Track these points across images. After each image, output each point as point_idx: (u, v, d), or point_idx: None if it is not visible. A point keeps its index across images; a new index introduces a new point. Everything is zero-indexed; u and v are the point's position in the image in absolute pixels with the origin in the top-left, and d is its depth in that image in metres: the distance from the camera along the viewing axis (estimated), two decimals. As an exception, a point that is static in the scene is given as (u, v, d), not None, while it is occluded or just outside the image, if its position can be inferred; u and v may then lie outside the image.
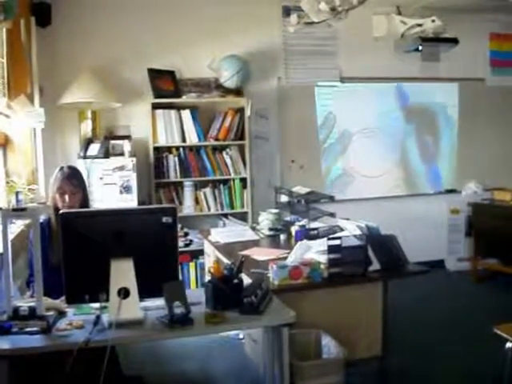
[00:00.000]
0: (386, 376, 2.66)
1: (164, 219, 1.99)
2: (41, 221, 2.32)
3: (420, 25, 3.79)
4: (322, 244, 2.57)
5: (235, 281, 2.08)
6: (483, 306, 3.89)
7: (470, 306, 3.94)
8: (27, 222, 3.10)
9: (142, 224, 1.98)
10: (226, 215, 4.31)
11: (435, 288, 4.23)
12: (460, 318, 3.68)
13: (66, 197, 2.41)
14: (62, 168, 2.50)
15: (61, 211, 1.95)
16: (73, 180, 2.46)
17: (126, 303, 1.86)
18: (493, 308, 3.76)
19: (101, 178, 3.74)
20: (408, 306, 3.66)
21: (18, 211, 1.86)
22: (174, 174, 4.13)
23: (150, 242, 1.97)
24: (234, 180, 4.27)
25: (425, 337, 3.34)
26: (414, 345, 3.19)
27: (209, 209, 4.26)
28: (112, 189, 3.78)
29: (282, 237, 3.30)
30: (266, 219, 3.51)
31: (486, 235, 4.46)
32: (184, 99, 4.17)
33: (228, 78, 4.11)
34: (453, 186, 5.06)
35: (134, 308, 1.90)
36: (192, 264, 4.19)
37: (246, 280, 2.18)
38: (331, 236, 2.59)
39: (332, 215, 3.31)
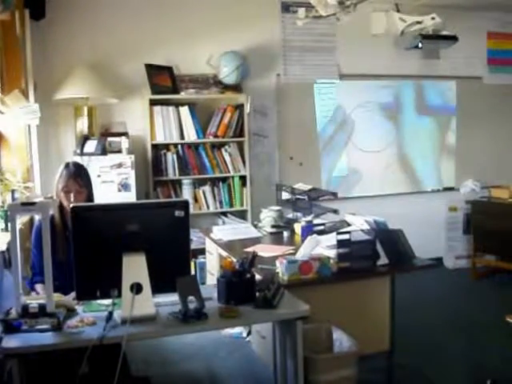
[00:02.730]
0: (394, 371, 2.64)
1: (176, 213, 1.95)
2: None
3: (420, 22, 3.79)
4: (330, 239, 2.54)
5: (248, 275, 2.05)
6: (484, 303, 3.93)
7: (470, 302, 3.98)
8: (25, 220, 3.05)
9: (154, 218, 1.95)
10: (225, 213, 4.26)
11: (435, 285, 4.26)
12: (462, 314, 3.70)
13: (72, 195, 2.34)
14: (67, 165, 2.42)
15: (72, 205, 1.90)
16: (78, 178, 2.39)
17: (138, 299, 1.82)
18: (493, 304, 3.79)
19: (98, 176, 3.67)
20: (410, 303, 3.66)
21: (28, 205, 1.79)
22: (172, 172, 4.08)
23: (161, 236, 1.93)
24: (233, 178, 4.24)
25: (430, 332, 3.36)
26: (421, 340, 3.21)
27: (208, 207, 4.22)
28: (110, 186, 3.72)
29: (285, 234, 3.27)
30: (267, 216, 3.47)
31: (485, 232, 4.49)
32: (182, 95, 4.11)
33: (227, 73, 4.08)
34: (451, 184, 5.11)
35: (147, 303, 1.85)
36: (191, 263, 4.12)
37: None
38: (340, 231, 2.57)
39: (335, 212, 3.29)
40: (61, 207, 2.36)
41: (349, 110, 4.74)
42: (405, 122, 4.94)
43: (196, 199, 4.17)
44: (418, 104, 4.95)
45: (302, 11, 2.80)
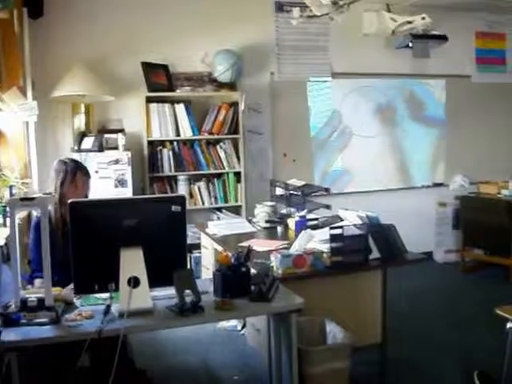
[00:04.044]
0: (386, 363, 2.71)
1: (173, 208, 2.00)
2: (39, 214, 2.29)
3: (410, 22, 3.86)
4: (324, 233, 2.60)
5: (243, 269, 2.10)
6: (473, 296, 4.01)
7: (460, 295, 4.06)
8: (23, 215, 3.08)
9: (151, 213, 1.98)
10: (219, 209, 4.31)
11: (425, 279, 4.32)
12: (452, 306, 3.79)
13: (79, 187, 2.43)
14: (65, 162, 2.48)
15: (70, 200, 1.93)
16: (83, 170, 2.49)
17: (135, 292, 1.85)
18: (482, 297, 3.86)
19: (96, 172, 3.70)
20: (401, 296, 3.74)
21: (27, 201, 1.83)
22: (168, 168, 4.12)
23: (159, 230, 1.97)
24: (227, 174, 4.29)
25: (420, 325, 3.43)
26: (412, 332, 3.28)
27: (203, 203, 4.26)
28: (107, 182, 3.76)
29: (279, 229, 3.32)
30: (261, 212, 3.52)
31: (473, 227, 4.58)
32: (178, 93, 4.16)
33: (222, 71, 4.12)
34: (441, 180, 5.19)
35: (144, 297, 1.88)
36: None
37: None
38: (333, 225, 2.63)
39: (328, 207, 3.35)
40: (61, 203, 2.40)
41: (342, 108, 4.79)
42: (395, 118, 5.00)
43: (191, 195, 4.22)
44: (410, 102, 5.02)
45: (296, 11, 2.85)
